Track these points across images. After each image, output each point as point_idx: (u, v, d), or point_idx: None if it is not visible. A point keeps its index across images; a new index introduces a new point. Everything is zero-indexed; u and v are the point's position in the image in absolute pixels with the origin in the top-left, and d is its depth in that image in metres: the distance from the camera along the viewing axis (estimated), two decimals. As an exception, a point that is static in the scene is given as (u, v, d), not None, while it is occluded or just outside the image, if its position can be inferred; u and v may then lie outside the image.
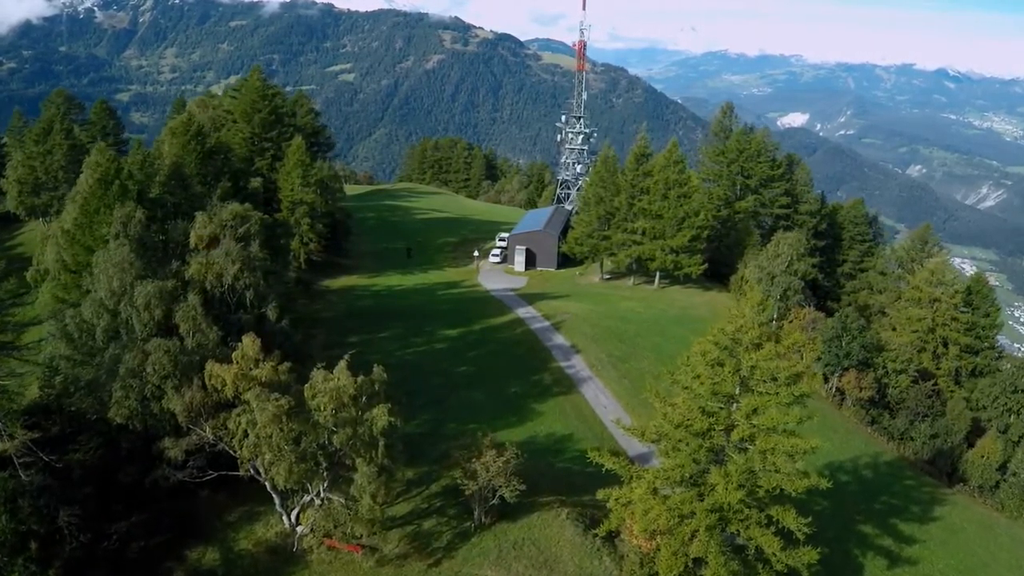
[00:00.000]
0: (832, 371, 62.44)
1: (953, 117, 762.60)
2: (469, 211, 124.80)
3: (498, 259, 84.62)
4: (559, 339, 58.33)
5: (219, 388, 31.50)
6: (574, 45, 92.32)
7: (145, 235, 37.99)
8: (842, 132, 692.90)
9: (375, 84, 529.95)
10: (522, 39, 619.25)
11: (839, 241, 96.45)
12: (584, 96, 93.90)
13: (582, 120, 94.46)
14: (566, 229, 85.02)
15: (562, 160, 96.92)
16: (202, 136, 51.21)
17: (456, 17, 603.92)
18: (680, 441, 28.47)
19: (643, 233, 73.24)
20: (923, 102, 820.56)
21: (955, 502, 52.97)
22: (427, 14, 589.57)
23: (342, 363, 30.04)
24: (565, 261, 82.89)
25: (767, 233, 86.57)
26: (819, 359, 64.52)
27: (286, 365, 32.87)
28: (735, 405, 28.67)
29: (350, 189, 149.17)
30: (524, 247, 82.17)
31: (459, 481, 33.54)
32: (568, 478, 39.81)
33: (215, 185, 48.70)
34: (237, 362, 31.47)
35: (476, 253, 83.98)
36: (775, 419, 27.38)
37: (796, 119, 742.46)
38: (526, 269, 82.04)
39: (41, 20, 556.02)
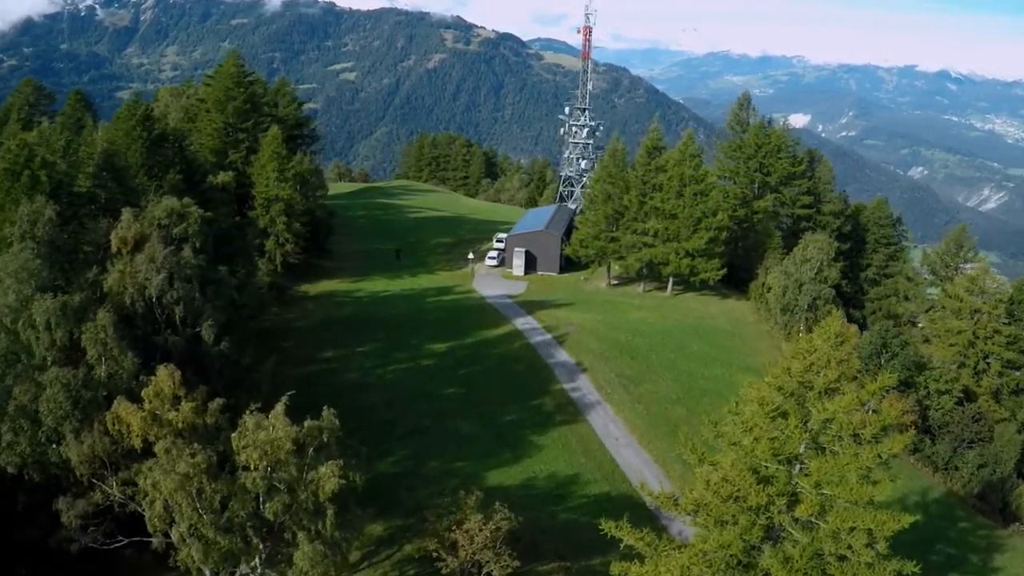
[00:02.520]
0: (870, 392, 55.36)
1: (955, 119, 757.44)
2: (467, 210, 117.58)
3: (495, 262, 77.47)
4: (562, 355, 51.16)
5: (125, 434, 24.52)
6: (579, 31, 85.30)
7: (57, 237, 30.96)
8: (844, 133, 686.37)
9: (376, 83, 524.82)
10: (524, 39, 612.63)
11: (863, 244, 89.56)
12: (589, 86, 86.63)
13: (587, 112, 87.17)
14: (570, 229, 77.84)
15: (565, 155, 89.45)
16: (150, 121, 44.21)
17: (458, 16, 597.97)
18: (726, 513, 21.42)
19: (655, 234, 66.03)
20: (925, 104, 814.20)
21: (1013, 547, 45.83)
22: (429, 13, 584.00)
23: (279, 407, 22.95)
24: (568, 264, 75.71)
25: (787, 235, 79.71)
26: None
27: (217, 402, 25.84)
28: (798, 467, 21.58)
29: (344, 187, 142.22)
30: (523, 249, 74.93)
31: (435, 554, 26.39)
32: (574, 534, 32.63)
33: (163, 178, 41.79)
34: (149, 401, 24.46)
35: (471, 255, 76.82)
36: (855, 491, 20.28)
37: (798, 120, 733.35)
38: (526, 273, 74.85)
39: (42, 17, 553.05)
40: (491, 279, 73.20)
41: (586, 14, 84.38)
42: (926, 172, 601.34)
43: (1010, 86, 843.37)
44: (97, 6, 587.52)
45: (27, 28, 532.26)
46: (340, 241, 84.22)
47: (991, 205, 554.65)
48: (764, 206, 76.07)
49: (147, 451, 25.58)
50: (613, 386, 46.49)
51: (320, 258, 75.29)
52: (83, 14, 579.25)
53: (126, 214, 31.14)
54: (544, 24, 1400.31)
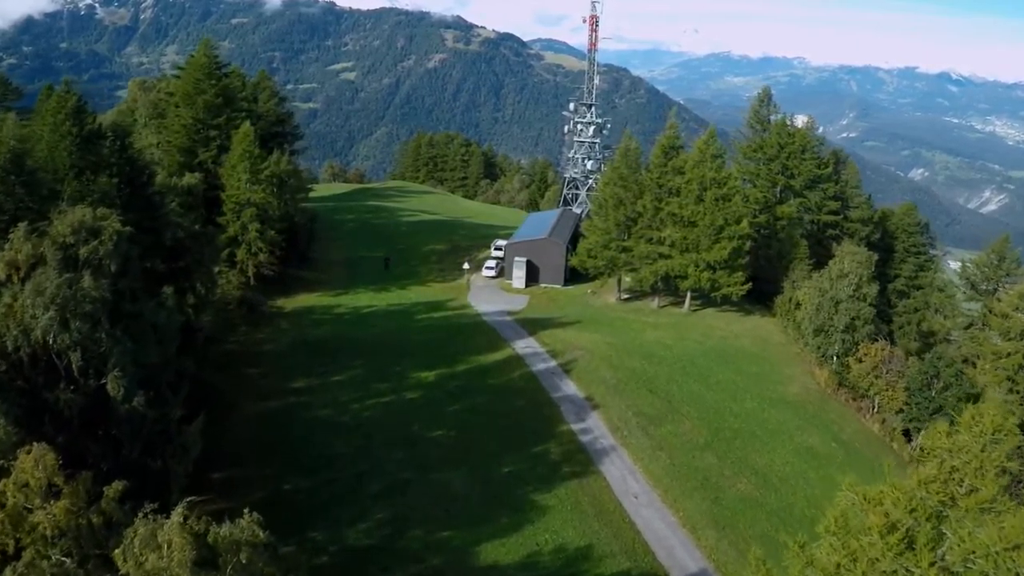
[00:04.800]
0: (918, 427, 48.70)
1: (955, 120, 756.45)
2: (464, 213, 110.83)
3: (493, 272, 70.54)
4: (569, 387, 44.29)
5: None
6: (585, 20, 78.47)
7: (-69, 258, 24.16)
8: (844, 135, 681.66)
9: (376, 83, 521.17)
10: (525, 39, 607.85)
11: (891, 253, 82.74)
12: (596, 80, 79.65)
13: (594, 108, 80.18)
14: (575, 237, 70.97)
15: (570, 155, 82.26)
16: (82, 114, 37.46)
17: (458, 16, 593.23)
18: None
19: (672, 244, 59.19)
20: (926, 105, 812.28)
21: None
22: (429, 13, 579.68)
23: (175, 517, 16.12)
24: (574, 276, 68.87)
25: (811, 244, 72.85)
26: (901, 412, 50.99)
27: (115, 487, 19.03)
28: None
29: (338, 188, 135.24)
30: (524, 259, 67.98)
31: None
32: (588, 635, 25.97)
33: (95, 181, 35.08)
34: (10, 495, 17.71)
35: (466, 265, 69.91)
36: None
37: (798, 121, 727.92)
38: (527, 285, 67.99)
39: (42, 16, 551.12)
40: (488, 292, 66.45)
41: (592, 2, 77.57)
42: (927, 174, 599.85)
43: (1011, 88, 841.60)
44: (97, 5, 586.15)
45: (27, 26, 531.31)
46: (324, 248, 77.54)
47: (992, 207, 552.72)
48: (788, 212, 69.19)
49: (17, 555, 18.89)
50: (630, 427, 39.63)
51: (299, 268, 68.46)
52: (83, 13, 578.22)
53: (18, 231, 24.37)
54: (545, 24, 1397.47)
